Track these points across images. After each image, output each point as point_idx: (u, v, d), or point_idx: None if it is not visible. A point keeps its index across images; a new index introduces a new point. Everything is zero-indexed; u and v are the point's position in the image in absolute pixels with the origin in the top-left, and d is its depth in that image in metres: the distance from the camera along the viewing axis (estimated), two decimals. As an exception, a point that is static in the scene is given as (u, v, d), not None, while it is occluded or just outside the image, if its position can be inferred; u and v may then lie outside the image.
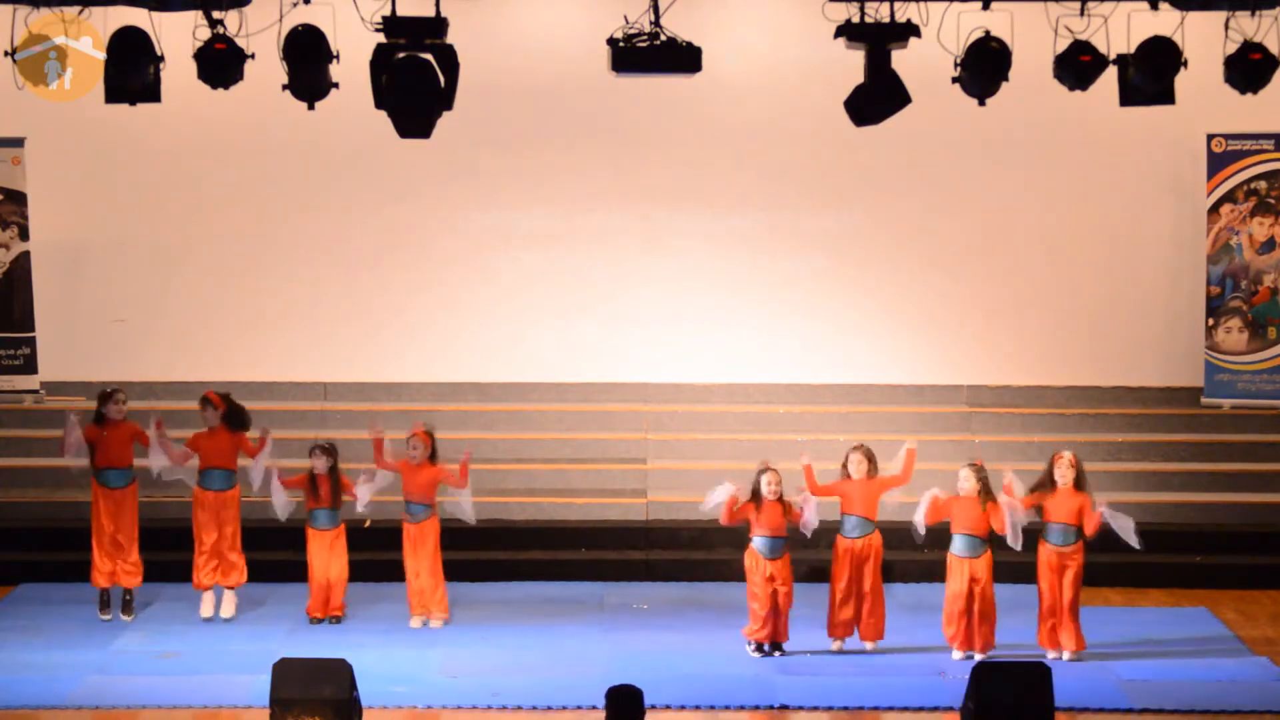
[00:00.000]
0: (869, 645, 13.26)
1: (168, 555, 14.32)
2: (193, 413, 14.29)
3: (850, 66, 13.43)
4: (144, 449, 13.89)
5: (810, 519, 13.09)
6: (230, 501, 13.93)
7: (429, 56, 12.58)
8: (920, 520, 13.08)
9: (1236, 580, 15.13)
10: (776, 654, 13.23)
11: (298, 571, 14.08)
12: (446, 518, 14.07)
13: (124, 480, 13.96)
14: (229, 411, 13.95)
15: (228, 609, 13.99)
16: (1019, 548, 12.95)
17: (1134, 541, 12.94)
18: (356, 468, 14.08)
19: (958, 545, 13.06)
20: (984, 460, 13.43)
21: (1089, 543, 13.08)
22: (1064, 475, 13.00)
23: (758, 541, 13.18)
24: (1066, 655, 13.03)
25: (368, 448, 13.94)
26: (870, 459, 13.22)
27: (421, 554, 13.81)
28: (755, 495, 13.11)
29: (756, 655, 13.24)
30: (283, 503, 13.83)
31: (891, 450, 15.97)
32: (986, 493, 12.96)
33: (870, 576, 13.21)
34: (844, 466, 13.24)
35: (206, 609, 13.97)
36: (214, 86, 12.74)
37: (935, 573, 13.34)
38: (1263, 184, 16.97)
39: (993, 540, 13.08)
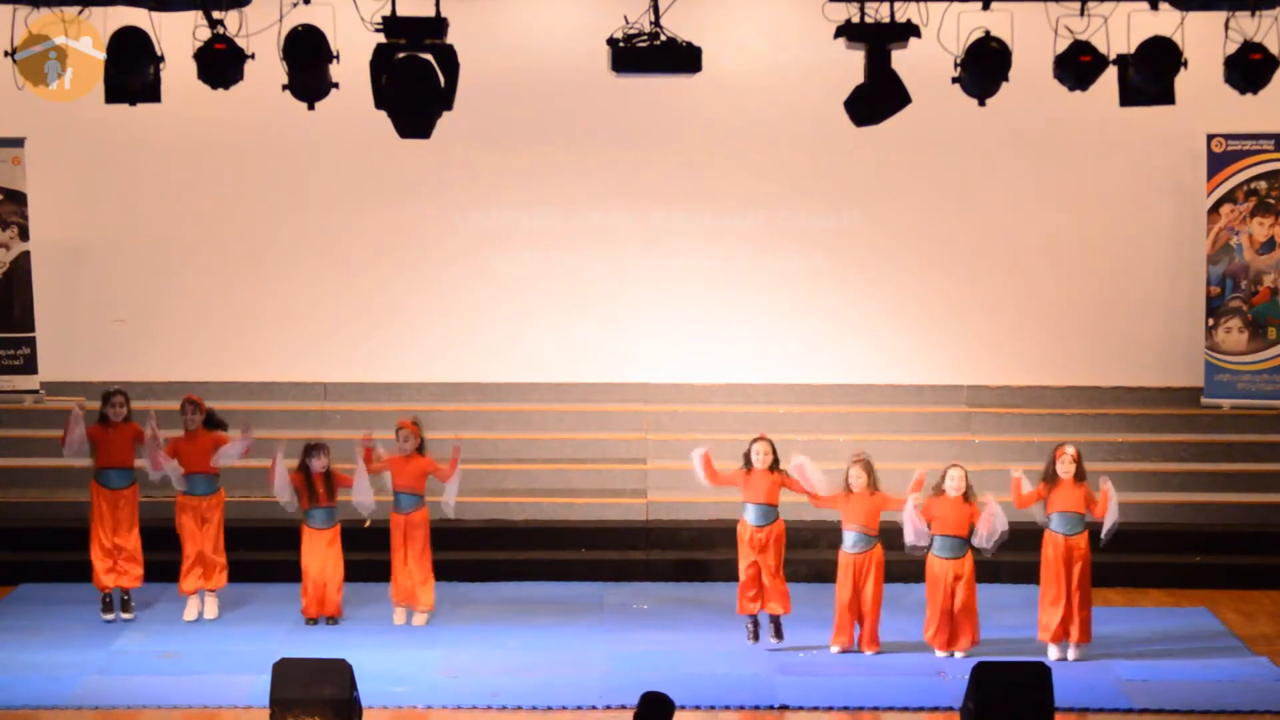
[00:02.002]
0: (870, 653, 13.25)
1: (168, 555, 14.31)
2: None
3: (850, 66, 13.43)
4: (143, 450, 13.91)
5: (814, 482, 13.13)
6: (214, 505, 13.94)
7: (429, 57, 12.58)
8: (916, 528, 13.09)
9: (1236, 580, 15.13)
10: (774, 639, 13.25)
11: (294, 571, 14.05)
12: (437, 518, 14.06)
13: (125, 481, 13.95)
14: (209, 414, 13.97)
15: (211, 610, 13.99)
16: (989, 552, 13.05)
17: (1104, 531, 13.01)
18: (353, 467, 14.08)
19: (939, 547, 13.09)
20: (984, 461, 13.44)
21: (1094, 536, 13.13)
22: (1066, 468, 13.08)
23: (747, 509, 13.30)
24: (1071, 652, 13.05)
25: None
26: (869, 471, 13.19)
27: (410, 546, 13.82)
28: (747, 461, 13.24)
29: (752, 641, 13.26)
30: (288, 496, 13.81)
31: (893, 450, 16.05)
32: (971, 493, 13.07)
33: (872, 589, 13.17)
34: (845, 480, 13.23)
35: (190, 613, 13.97)
36: (214, 86, 12.75)
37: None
38: (1263, 184, 16.97)
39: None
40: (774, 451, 13.23)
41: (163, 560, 14.34)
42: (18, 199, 16.84)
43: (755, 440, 13.29)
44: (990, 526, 12.92)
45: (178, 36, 12.84)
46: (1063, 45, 13.13)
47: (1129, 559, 14.74)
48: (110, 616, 13.92)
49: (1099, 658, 13.07)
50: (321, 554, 13.83)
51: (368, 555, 14.51)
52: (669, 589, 15.04)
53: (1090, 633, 13.10)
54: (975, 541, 13.00)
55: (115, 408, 13.90)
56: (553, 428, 16.98)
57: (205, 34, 12.59)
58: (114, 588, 13.95)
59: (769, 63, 17.12)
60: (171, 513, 14.16)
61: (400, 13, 12.65)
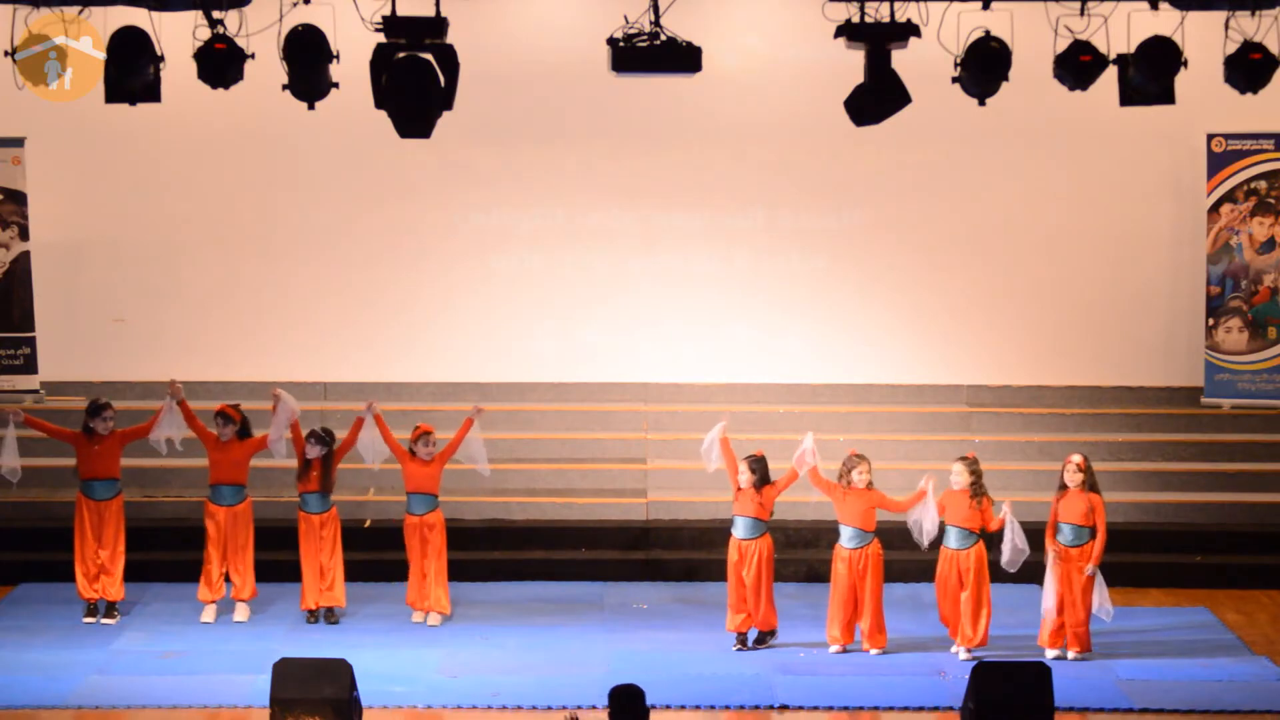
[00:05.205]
0: (874, 651, 13.23)
1: (168, 555, 14.31)
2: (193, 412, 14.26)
3: (850, 66, 13.43)
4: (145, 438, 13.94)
5: (806, 456, 13.15)
6: (241, 516, 13.92)
7: (429, 56, 12.59)
8: (932, 519, 13.10)
9: (1236, 580, 15.13)
10: (761, 647, 13.24)
11: (294, 571, 14.04)
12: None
13: (110, 492, 13.91)
14: (244, 424, 13.97)
15: (240, 615, 13.96)
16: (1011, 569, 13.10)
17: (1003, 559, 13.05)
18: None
19: (950, 538, 13.13)
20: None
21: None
22: (1072, 477, 13.11)
23: (735, 522, 13.32)
24: (1070, 652, 13.06)
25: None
26: (867, 469, 13.20)
27: (428, 551, 13.81)
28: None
29: (738, 648, 13.25)
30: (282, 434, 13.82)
31: (893, 450, 16.04)
32: (978, 488, 13.04)
33: (870, 586, 13.17)
34: (842, 476, 13.22)
35: (208, 616, 13.95)
36: (214, 86, 12.74)
37: (934, 572, 13.35)
38: (1263, 184, 16.97)
39: (985, 537, 13.18)
40: (756, 470, 13.22)
41: (163, 560, 14.36)
42: (18, 199, 16.83)
43: (743, 460, 13.28)
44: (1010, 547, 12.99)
45: (178, 36, 12.84)
46: (1063, 45, 13.12)
47: (1129, 559, 14.73)
48: (91, 620, 13.89)
49: (1099, 658, 13.08)
50: (316, 539, 13.82)
51: (370, 554, 14.51)
52: (669, 589, 15.03)
53: (1089, 643, 13.11)
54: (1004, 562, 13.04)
55: (104, 420, 13.86)
56: (553, 428, 16.97)
57: (205, 34, 12.59)
58: (99, 598, 13.92)
59: (769, 62, 17.11)
60: (174, 512, 14.17)
61: (400, 13, 12.65)
